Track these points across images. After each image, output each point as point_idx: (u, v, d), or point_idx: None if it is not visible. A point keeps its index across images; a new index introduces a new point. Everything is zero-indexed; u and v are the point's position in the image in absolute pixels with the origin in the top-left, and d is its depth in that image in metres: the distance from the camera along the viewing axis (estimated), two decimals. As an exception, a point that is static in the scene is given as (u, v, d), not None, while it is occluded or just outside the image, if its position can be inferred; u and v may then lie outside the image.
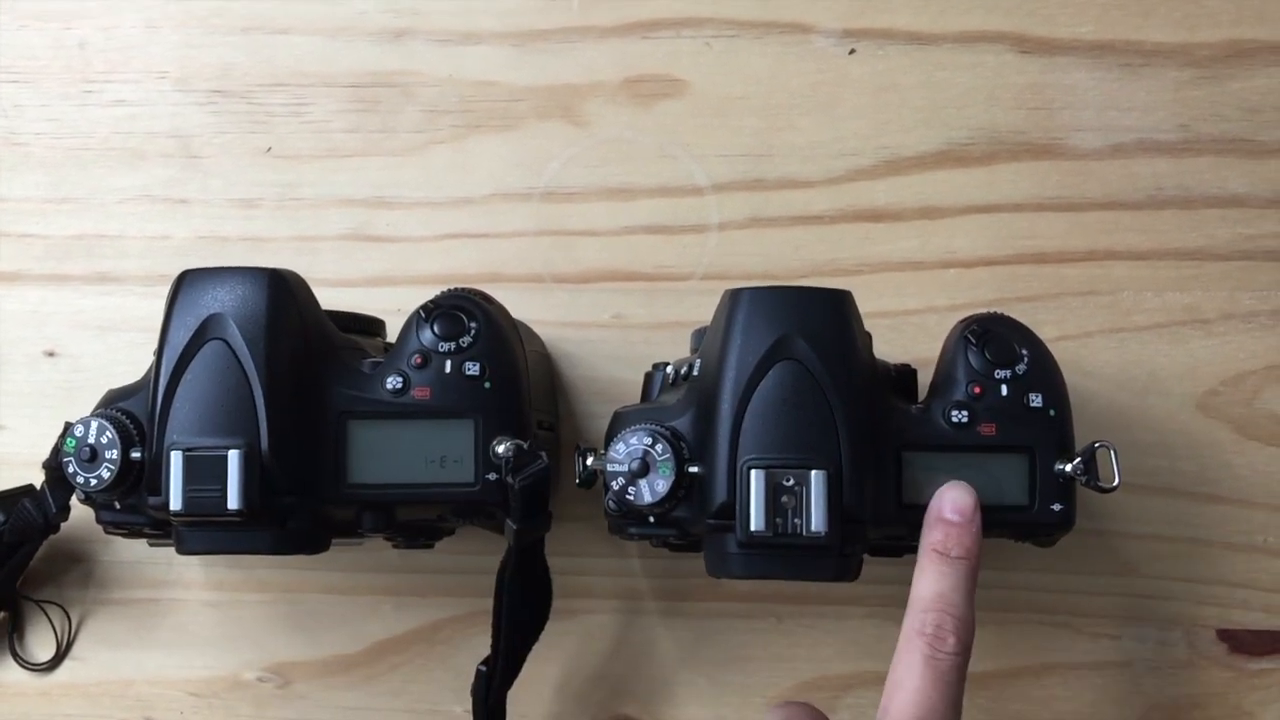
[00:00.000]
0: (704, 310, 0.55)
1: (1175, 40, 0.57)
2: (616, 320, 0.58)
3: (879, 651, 0.56)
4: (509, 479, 0.46)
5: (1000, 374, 0.47)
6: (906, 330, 0.57)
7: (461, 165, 0.58)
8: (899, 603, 0.55)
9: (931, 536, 0.45)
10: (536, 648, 0.51)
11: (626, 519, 0.47)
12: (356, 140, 0.59)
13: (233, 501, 0.44)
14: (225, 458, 0.44)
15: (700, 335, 0.50)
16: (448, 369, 0.47)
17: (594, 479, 0.48)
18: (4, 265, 0.58)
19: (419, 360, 0.47)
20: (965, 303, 0.56)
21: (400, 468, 0.47)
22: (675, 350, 0.55)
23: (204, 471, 0.44)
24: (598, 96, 0.58)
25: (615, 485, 0.46)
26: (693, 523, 0.46)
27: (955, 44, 0.58)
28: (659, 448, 0.46)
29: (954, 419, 0.46)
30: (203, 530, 0.46)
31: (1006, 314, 0.49)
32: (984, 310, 0.50)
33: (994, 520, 0.46)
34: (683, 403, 0.47)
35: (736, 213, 0.58)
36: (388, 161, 0.59)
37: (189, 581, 0.58)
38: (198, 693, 0.57)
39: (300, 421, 0.46)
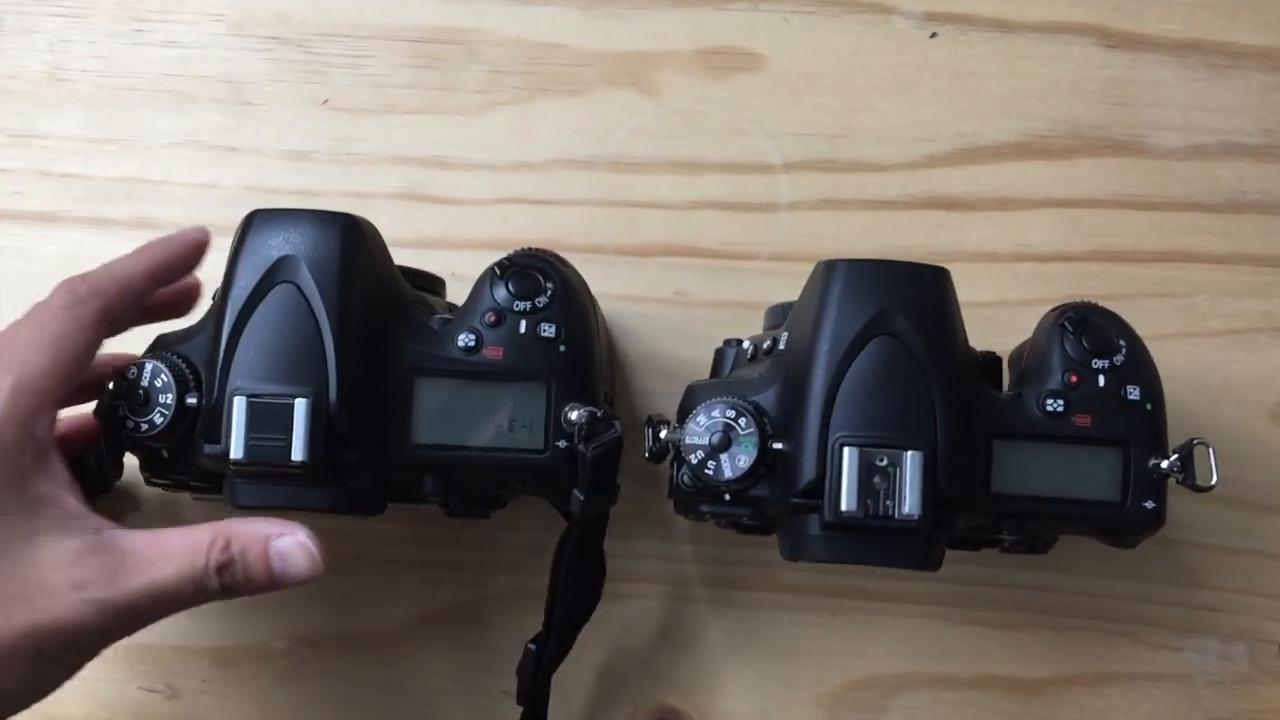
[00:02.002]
0: (769, 291, 0.54)
1: (1263, 43, 0.56)
2: (678, 296, 0.56)
3: (934, 652, 0.54)
4: (580, 447, 0.44)
5: (1098, 364, 0.45)
6: (977, 323, 0.54)
7: (524, 129, 0.56)
8: (956, 603, 0.54)
9: None
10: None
11: (700, 496, 0.45)
12: (416, 97, 0.57)
13: (297, 452, 0.42)
14: (292, 406, 0.42)
15: (777, 312, 0.49)
16: (522, 329, 0.45)
17: (665, 453, 0.46)
18: (43, 205, 0.56)
19: (493, 318, 0.45)
20: (1038, 297, 0.55)
21: (468, 429, 0.44)
22: (738, 330, 0.53)
23: (268, 419, 0.42)
24: (669, 66, 0.56)
25: (694, 459, 0.44)
26: (771, 502, 0.44)
27: (1039, 34, 0.56)
28: (742, 421, 0.44)
29: (1049, 408, 0.45)
30: (259, 483, 0.43)
31: (1098, 303, 0.48)
32: (1075, 300, 0.48)
33: (1083, 515, 0.45)
34: (766, 377, 0.45)
35: (807, 193, 0.56)
36: (448, 120, 0.57)
37: (219, 545, 0.55)
38: (223, 661, 0.54)
39: (369, 375, 0.44)
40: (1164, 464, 0.44)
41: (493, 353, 0.45)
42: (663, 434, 0.46)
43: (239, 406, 0.42)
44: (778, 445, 0.44)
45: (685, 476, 0.45)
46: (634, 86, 0.56)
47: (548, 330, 0.45)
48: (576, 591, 0.48)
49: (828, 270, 0.44)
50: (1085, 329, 0.45)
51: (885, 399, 0.42)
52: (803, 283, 0.47)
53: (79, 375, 0.43)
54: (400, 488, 0.46)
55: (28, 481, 0.41)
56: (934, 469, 0.42)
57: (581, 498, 0.45)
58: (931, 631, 0.54)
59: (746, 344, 0.48)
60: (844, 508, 0.42)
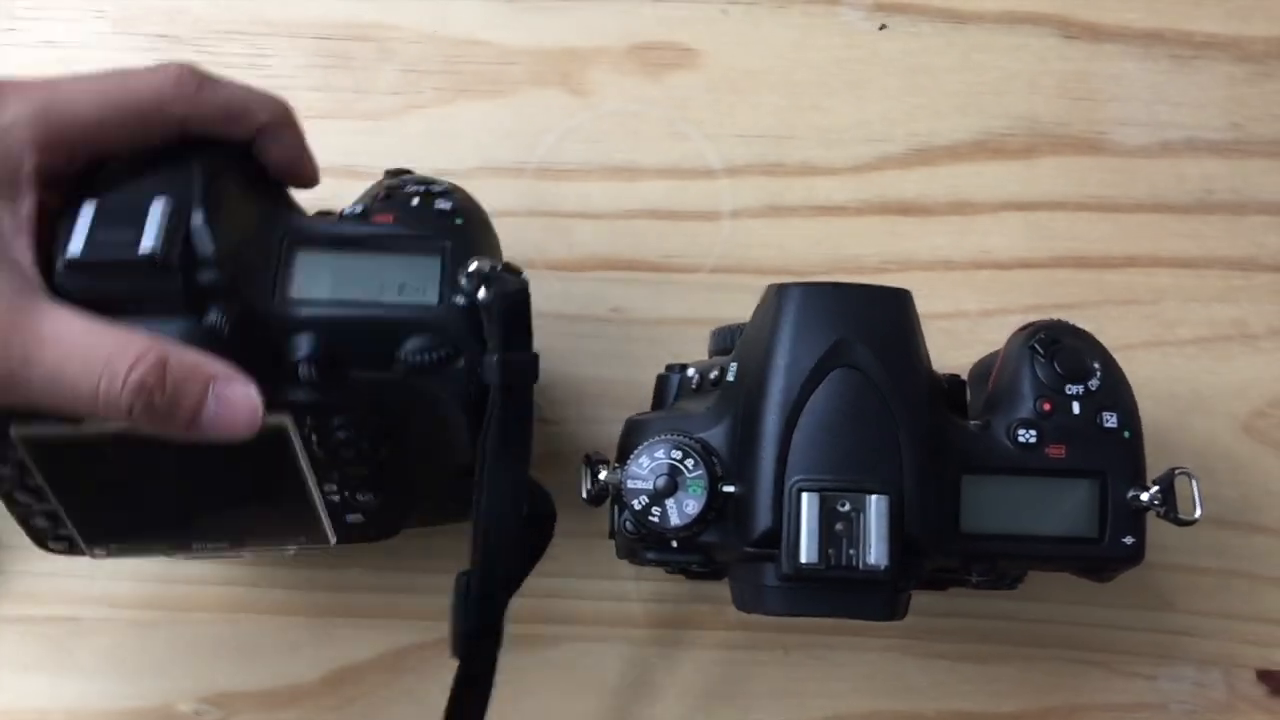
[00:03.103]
0: (714, 306, 0.51)
1: (1228, 32, 0.53)
2: (616, 314, 0.51)
3: (897, 689, 0.51)
4: (482, 298, 0.39)
5: (1072, 389, 0.42)
6: (934, 335, 0.49)
7: (444, 133, 0.52)
8: (919, 636, 0.51)
9: None
10: (510, 677, 0.44)
11: (644, 542, 0.41)
12: (324, 100, 0.52)
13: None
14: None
15: (723, 335, 0.45)
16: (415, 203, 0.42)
17: (605, 495, 0.42)
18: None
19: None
20: (998, 307, 0.52)
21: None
22: (681, 349, 0.50)
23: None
24: (601, 63, 0.52)
25: (637, 505, 0.40)
26: (721, 549, 0.41)
27: (995, 25, 0.53)
28: (689, 463, 0.40)
29: (1020, 438, 0.41)
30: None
31: (1069, 321, 0.44)
32: (1025, 320, 0.45)
33: (1058, 554, 0.41)
34: (713, 412, 0.41)
35: (752, 199, 0.52)
36: (359, 125, 0.52)
37: (116, 598, 0.50)
38: (123, 728, 0.49)
39: None
40: (1144, 496, 0.41)
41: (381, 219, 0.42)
42: (601, 475, 0.41)
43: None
44: (729, 488, 0.40)
45: (628, 523, 0.41)
46: (563, 86, 0.52)
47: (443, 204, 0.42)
48: (509, 497, 0.41)
49: (779, 296, 0.40)
50: (1057, 351, 0.42)
51: (846, 437, 0.38)
52: (749, 296, 0.43)
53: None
54: None
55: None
56: (901, 513, 0.38)
57: (495, 356, 0.39)
58: (894, 667, 0.51)
59: (692, 372, 0.44)
60: (804, 559, 0.38)
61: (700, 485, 0.40)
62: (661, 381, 0.46)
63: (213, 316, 0.37)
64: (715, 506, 0.40)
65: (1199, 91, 0.53)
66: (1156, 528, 0.49)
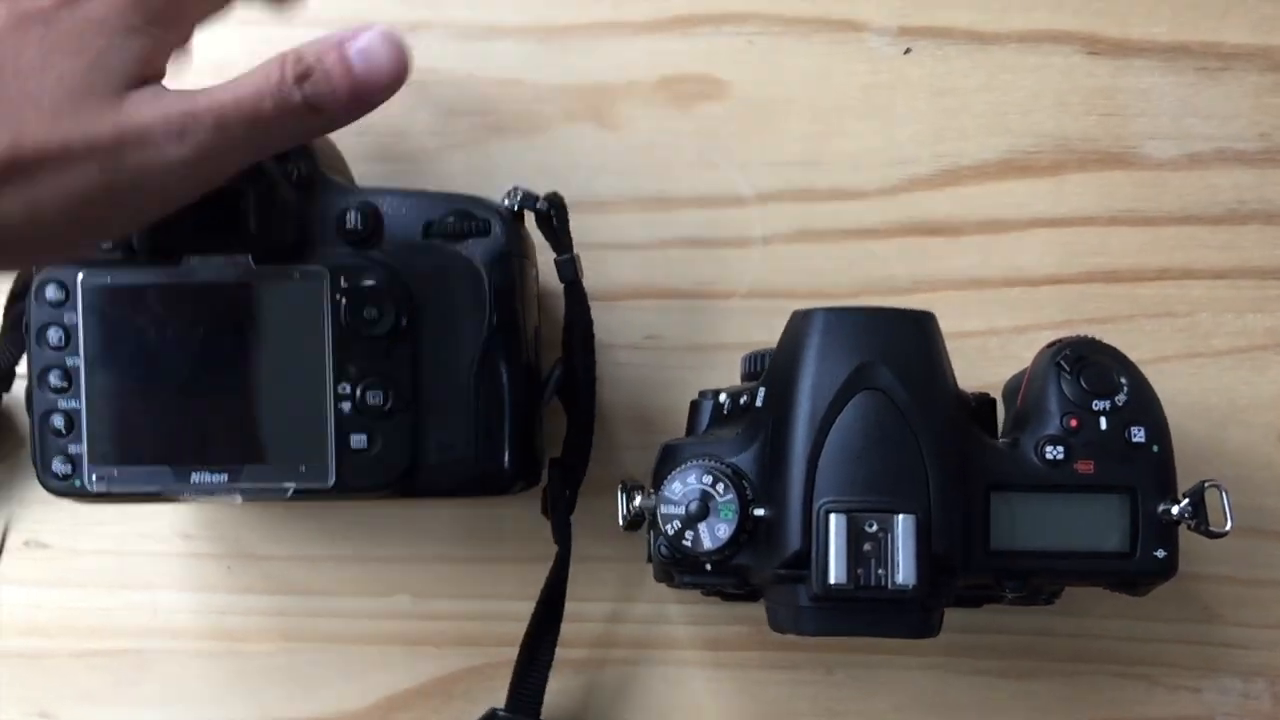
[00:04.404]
0: (746, 331, 0.52)
1: (1255, 42, 0.53)
2: (650, 341, 0.53)
3: (940, 706, 0.51)
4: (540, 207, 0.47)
5: (1099, 405, 0.42)
6: (967, 354, 0.51)
7: (481, 170, 0.53)
8: (960, 653, 0.51)
9: None
10: (558, 699, 0.48)
11: (679, 566, 0.42)
12: (367, 142, 0.53)
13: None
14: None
15: (753, 360, 0.45)
16: None
17: (641, 521, 0.43)
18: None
19: None
20: (1031, 324, 0.52)
21: None
22: (715, 375, 0.51)
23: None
24: (631, 97, 0.53)
25: (670, 529, 0.41)
26: (755, 571, 0.41)
27: (1020, 44, 0.53)
28: (720, 487, 0.41)
29: (1048, 455, 0.42)
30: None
31: (1097, 338, 0.45)
32: (1070, 335, 0.45)
33: (1090, 569, 0.42)
34: (743, 437, 0.42)
35: (783, 225, 0.53)
36: (400, 167, 0.53)
37: (176, 630, 0.52)
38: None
39: None
40: (1174, 510, 0.41)
41: None
42: (636, 501, 0.43)
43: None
44: (759, 511, 0.41)
45: (663, 547, 0.42)
46: (595, 121, 0.53)
47: None
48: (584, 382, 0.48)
49: (804, 320, 0.41)
50: (1084, 368, 0.42)
51: (872, 459, 0.39)
52: (782, 321, 0.44)
53: None
54: None
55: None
56: (928, 532, 0.39)
57: (564, 256, 0.47)
58: (936, 685, 0.51)
59: (724, 397, 0.45)
60: (832, 580, 0.39)
61: (731, 509, 0.41)
62: (694, 407, 0.47)
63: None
64: (747, 529, 0.41)
65: (1227, 103, 0.53)
66: (1200, 541, 0.50)
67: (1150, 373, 0.51)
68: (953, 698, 0.51)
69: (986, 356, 0.52)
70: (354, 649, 0.52)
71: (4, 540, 0.52)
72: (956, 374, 0.50)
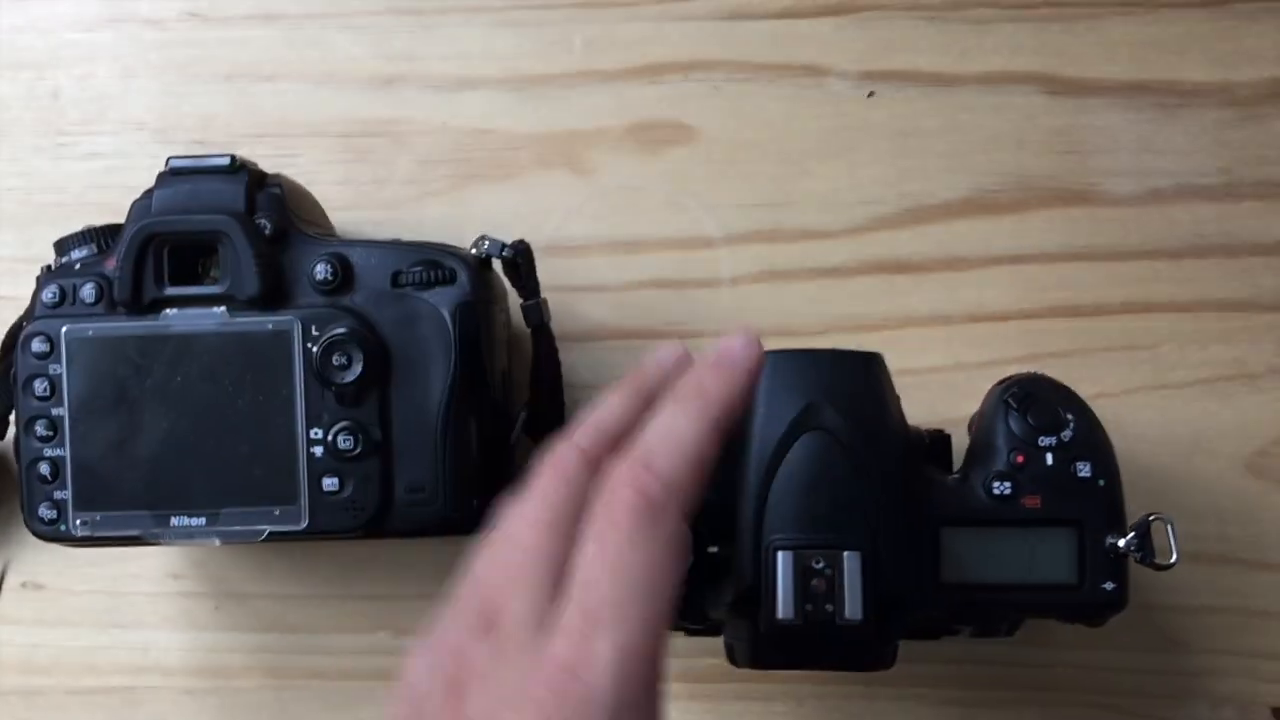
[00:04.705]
0: (717, 370, 0.53)
1: (1213, 79, 0.54)
2: (624, 381, 0.54)
3: (911, 737, 0.52)
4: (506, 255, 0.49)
5: (1044, 441, 0.43)
6: (933, 388, 0.53)
7: (457, 217, 0.55)
8: (932, 683, 0.52)
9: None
10: None
11: (639, 603, 0.43)
12: (347, 192, 0.55)
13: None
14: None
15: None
16: None
17: (604, 558, 0.44)
18: (-29, 329, 0.55)
19: None
20: (995, 359, 0.53)
21: None
22: (687, 413, 0.52)
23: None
24: (602, 144, 0.55)
25: (628, 567, 0.42)
26: (712, 607, 0.43)
27: (980, 86, 0.54)
28: (675, 526, 0.42)
29: (995, 490, 0.43)
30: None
31: (1046, 375, 0.46)
32: (1021, 371, 0.46)
33: (1040, 601, 0.43)
34: (699, 475, 0.43)
35: (750, 265, 0.54)
36: (380, 214, 0.55)
37: (166, 668, 0.54)
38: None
39: None
40: (1120, 543, 0.42)
41: None
42: (599, 539, 0.44)
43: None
44: (713, 549, 0.42)
45: (622, 584, 0.43)
46: (567, 167, 0.55)
47: None
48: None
49: (753, 363, 0.42)
50: (1030, 404, 0.43)
51: (819, 497, 0.40)
52: (750, 359, 0.45)
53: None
54: None
55: None
56: (875, 568, 0.40)
57: (531, 300, 0.50)
58: (907, 715, 0.52)
59: (683, 437, 0.46)
60: (780, 615, 0.40)
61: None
62: (659, 447, 0.48)
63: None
64: (701, 568, 0.42)
65: (1186, 139, 0.54)
66: (1168, 570, 0.51)
67: (1115, 406, 0.52)
68: (925, 729, 0.52)
69: (953, 391, 0.53)
70: (337, 685, 0.53)
71: (2, 581, 0.54)
72: (922, 409, 0.51)
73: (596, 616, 0.32)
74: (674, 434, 0.35)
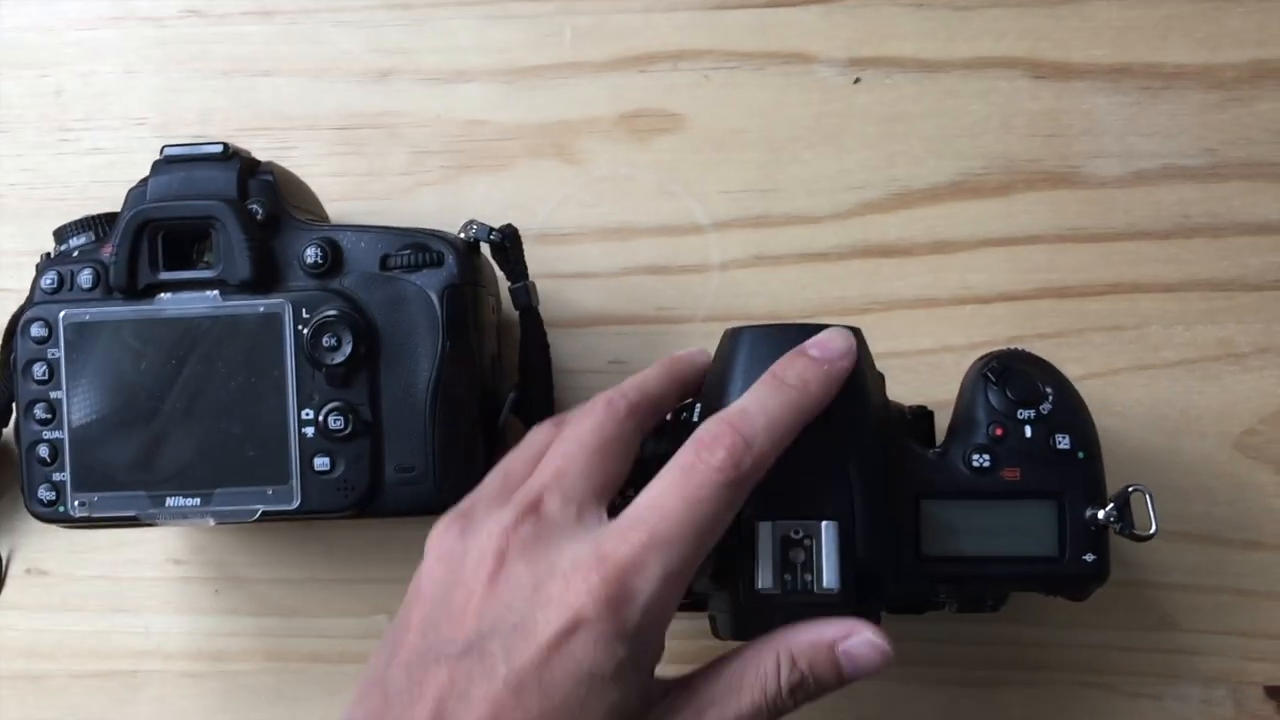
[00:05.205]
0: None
1: (1197, 61, 0.54)
2: (615, 366, 0.55)
3: (903, 715, 0.52)
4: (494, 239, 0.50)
5: (1023, 414, 0.43)
6: (921, 371, 0.53)
7: (452, 207, 0.56)
8: (920, 662, 0.53)
9: (779, 362, 0.41)
10: None
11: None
12: (343, 184, 0.56)
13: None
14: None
15: (703, 379, 0.47)
16: None
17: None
18: (-25, 321, 0.56)
19: None
20: (982, 341, 0.53)
21: None
22: (678, 397, 0.52)
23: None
24: (592, 133, 0.56)
25: (611, 542, 0.43)
26: (696, 581, 0.43)
27: (965, 70, 0.55)
28: (658, 500, 0.42)
29: (975, 463, 0.43)
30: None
31: (1028, 350, 0.46)
32: (1004, 347, 0.47)
33: (1021, 573, 0.43)
34: (681, 451, 0.44)
35: (739, 251, 0.55)
36: (375, 205, 0.56)
37: (167, 652, 0.55)
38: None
39: None
40: (1100, 514, 0.42)
41: None
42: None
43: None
44: (695, 522, 0.42)
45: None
46: (558, 156, 0.56)
47: None
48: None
49: (733, 338, 0.43)
50: (1009, 378, 0.44)
51: (799, 469, 0.41)
52: (740, 343, 0.46)
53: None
54: None
55: (652, 668, 0.39)
56: (852, 539, 0.40)
57: (519, 284, 0.51)
58: (899, 694, 0.53)
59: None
60: (760, 585, 0.40)
61: (669, 520, 0.42)
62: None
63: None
64: (684, 540, 0.42)
65: (1170, 120, 0.54)
66: (1156, 548, 0.51)
67: (1103, 386, 0.53)
68: (916, 708, 0.52)
69: (941, 373, 0.53)
70: (336, 667, 0.54)
71: (7, 568, 0.55)
72: (909, 390, 0.52)
73: (660, 536, 0.37)
74: (770, 414, 0.40)
